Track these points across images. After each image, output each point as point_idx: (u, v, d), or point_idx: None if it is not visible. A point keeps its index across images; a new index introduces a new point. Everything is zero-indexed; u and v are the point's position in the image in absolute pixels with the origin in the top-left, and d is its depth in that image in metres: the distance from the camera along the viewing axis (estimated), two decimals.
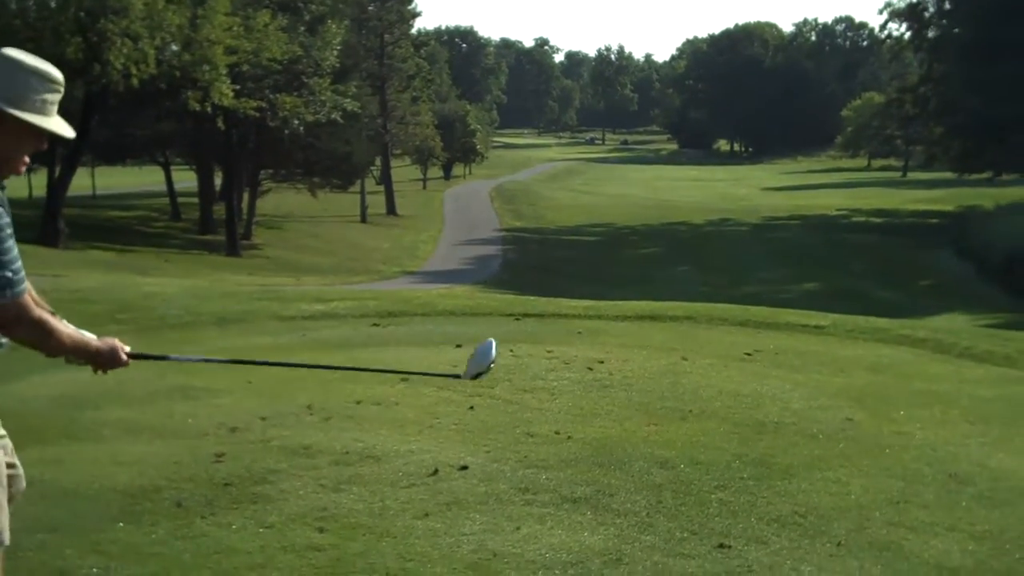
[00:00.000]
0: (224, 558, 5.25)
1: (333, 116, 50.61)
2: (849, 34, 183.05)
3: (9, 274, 3.57)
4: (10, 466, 4.07)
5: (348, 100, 52.35)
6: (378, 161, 77.71)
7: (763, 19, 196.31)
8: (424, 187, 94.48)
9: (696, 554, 5.43)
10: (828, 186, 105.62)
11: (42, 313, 3.77)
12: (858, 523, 5.96)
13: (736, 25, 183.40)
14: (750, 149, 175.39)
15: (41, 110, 3.72)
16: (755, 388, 9.33)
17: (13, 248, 3.61)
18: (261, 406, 8.19)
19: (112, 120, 46.53)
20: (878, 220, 72.66)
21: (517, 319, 14.50)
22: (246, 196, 54.59)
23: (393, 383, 9.19)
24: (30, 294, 3.89)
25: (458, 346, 11.34)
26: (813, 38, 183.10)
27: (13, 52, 3.77)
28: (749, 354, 11.46)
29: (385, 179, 77.57)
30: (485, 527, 5.69)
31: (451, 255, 56.58)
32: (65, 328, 3.87)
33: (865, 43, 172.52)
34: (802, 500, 6.28)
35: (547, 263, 54.37)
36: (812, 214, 75.27)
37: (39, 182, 51.87)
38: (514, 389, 9.04)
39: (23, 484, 4.25)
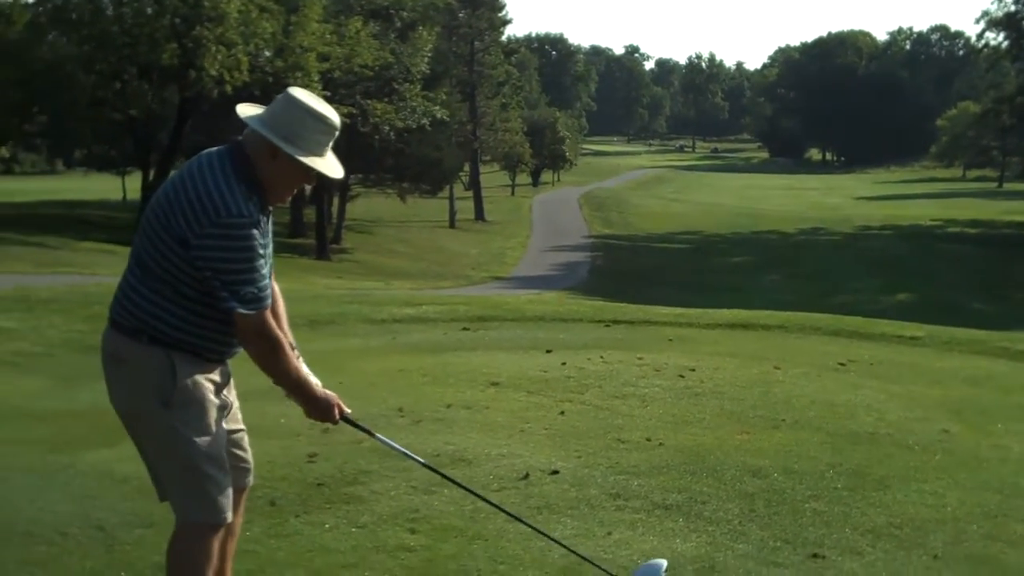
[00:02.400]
0: (317, 556, 5.32)
1: (423, 122, 50.87)
2: (945, 43, 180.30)
3: (255, 290, 3.81)
4: (241, 460, 4.24)
5: (438, 108, 52.60)
6: (467, 167, 78.00)
7: (856, 27, 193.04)
8: (512, 193, 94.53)
9: (789, 563, 5.39)
10: (922, 196, 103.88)
11: (280, 335, 3.94)
12: (955, 536, 5.86)
13: (829, 33, 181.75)
14: (842, 158, 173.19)
15: (313, 150, 3.92)
16: (849, 398, 9.21)
17: (263, 267, 3.84)
18: (353, 408, 8.09)
19: (205, 126, 47.34)
20: (973, 231, 71.23)
21: (607, 325, 14.48)
22: (336, 200, 55.07)
23: (483, 387, 9.23)
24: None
25: (548, 351, 11.38)
26: (908, 47, 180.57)
27: (297, 92, 3.94)
28: (843, 364, 11.30)
29: (474, 185, 77.86)
30: (576, 531, 5.69)
31: (539, 261, 56.53)
32: (295, 361, 4.02)
33: (961, 52, 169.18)
34: (897, 511, 6.19)
35: (636, 270, 54.09)
36: (905, 224, 73.99)
37: (133, 185, 52.79)
38: (605, 395, 9.03)
39: (250, 479, 4.38)
